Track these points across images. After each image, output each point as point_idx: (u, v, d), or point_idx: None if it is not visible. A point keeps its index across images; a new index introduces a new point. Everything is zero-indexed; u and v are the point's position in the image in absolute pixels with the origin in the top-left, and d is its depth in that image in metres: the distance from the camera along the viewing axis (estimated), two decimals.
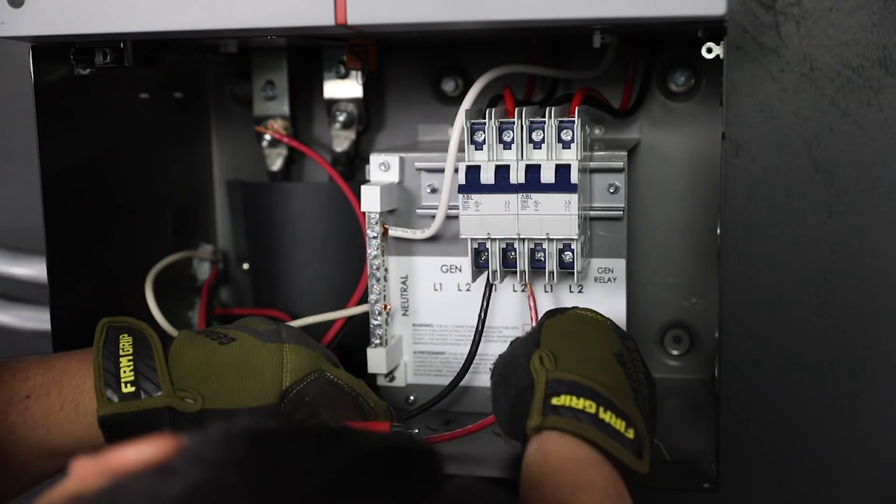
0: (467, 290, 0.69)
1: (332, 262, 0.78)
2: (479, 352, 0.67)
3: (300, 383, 0.59)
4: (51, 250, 0.64)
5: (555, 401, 0.51)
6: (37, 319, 0.89)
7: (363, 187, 0.67)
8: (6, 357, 0.57)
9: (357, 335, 0.72)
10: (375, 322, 0.69)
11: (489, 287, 0.67)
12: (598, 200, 0.66)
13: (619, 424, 0.51)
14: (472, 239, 0.64)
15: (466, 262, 0.65)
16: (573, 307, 0.61)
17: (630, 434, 0.51)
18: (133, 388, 0.55)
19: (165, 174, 0.79)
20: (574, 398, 0.51)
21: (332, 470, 0.32)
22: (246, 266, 0.85)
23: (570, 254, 0.63)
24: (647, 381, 0.58)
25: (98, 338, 0.58)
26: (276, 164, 0.82)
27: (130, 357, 0.56)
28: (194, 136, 0.84)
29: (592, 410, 0.50)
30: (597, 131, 0.77)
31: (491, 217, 0.62)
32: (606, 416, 0.50)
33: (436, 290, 0.70)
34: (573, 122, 0.62)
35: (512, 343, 0.61)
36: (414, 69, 0.81)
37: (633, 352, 0.58)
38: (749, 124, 0.70)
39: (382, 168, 0.69)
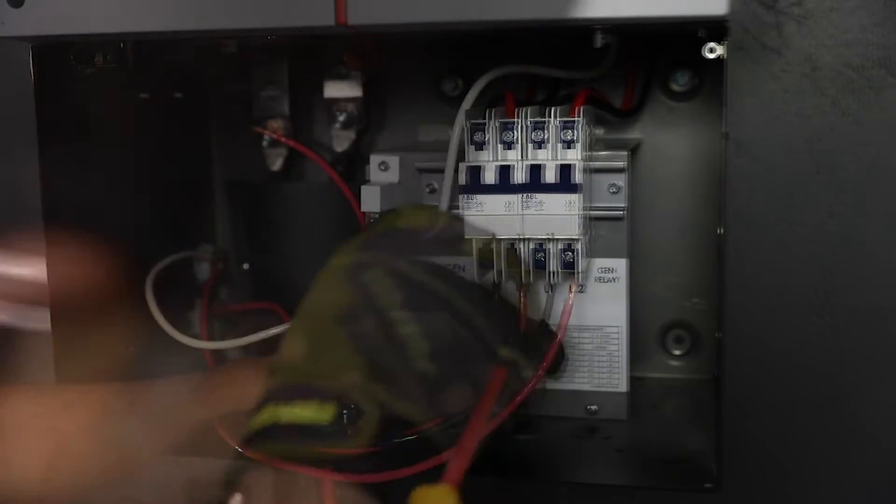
0: None
1: None
2: None
3: None
4: (51, 250, 0.64)
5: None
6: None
7: (363, 187, 0.67)
8: None
9: None
10: None
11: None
12: (600, 200, 0.66)
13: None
14: (476, 239, 0.63)
15: (469, 261, 0.64)
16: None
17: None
18: None
19: (165, 174, 0.79)
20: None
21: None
22: (246, 266, 0.85)
23: (571, 254, 0.63)
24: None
25: None
26: (276, 164, 0.82)
27: None
28: (194, 136, 0.84)
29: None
30: (598, 131, 0.77)
31: (494, 217, 0.62)
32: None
33: None
34: (575, 122, 0.62)
35: None
36: (414, 69, 0.81)
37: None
38: (750, 124, 0.70)
39: (382, 168, 0.69)
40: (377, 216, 0.56)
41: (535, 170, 0.61)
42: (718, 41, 0.57)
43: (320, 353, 0.43)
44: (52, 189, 0.63)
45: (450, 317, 0.46)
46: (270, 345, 0.75)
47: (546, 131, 0.62)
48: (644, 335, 0.79)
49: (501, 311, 0.59)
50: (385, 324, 0.44)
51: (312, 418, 0.41)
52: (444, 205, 0.66)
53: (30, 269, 0.85)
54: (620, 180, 0.66)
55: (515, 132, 0.62)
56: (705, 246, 0.76)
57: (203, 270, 0.83)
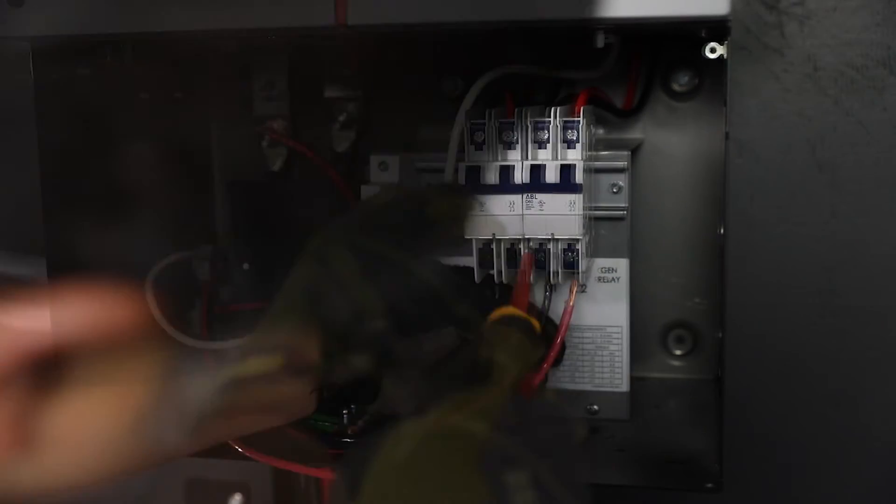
0: None
1: None
2: None
3: None
4: (51, 250, 0.64)
5: None
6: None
7: (363, 187, 0.67)
8: None
9: None
10: None
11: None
12: (602, 200, 0.66)
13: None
14: (477, 239, 0.63)
15: (471, 262, 0.64)
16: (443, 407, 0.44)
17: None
18: None
19: (165, 174, 0.79)
20: None
21: None
22: (246, 266, 0.85)
23: (572, 254, 0.63)
24: None
25: None
26: (276, 164, 0.82)
27: None
28: (194, 136, 0.84)
29: None
30: (600, 131, 0.77)
31: (495, 217, 0.62)
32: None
33: None
34: (577, 121, 0.62)
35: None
36: (414, 69, 0.81)
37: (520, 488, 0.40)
38: (752, 124, 0.70)
39: (382, 168, 0.69)
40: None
41: (536, 170, 0.61)
42: (720, 41, 0.57)
43: (277, 320, 0.47)
44: (53, 188, 0.63)
45: (406, 280, 0.49)
46: None
47: (547, 131, 0.62)
48: (645, 335, 0.79)
49: (457, 276, 0.63)
50: (342, 287, 0.48)
51: (259, 369, 0.45)
52: None
53: (29, 268, 0.85)
54: (622, 180, 0.66)
55: (516, 132, 0.62)
56: (707, 246, 0.76)
57: (203, 270, 0.83)
